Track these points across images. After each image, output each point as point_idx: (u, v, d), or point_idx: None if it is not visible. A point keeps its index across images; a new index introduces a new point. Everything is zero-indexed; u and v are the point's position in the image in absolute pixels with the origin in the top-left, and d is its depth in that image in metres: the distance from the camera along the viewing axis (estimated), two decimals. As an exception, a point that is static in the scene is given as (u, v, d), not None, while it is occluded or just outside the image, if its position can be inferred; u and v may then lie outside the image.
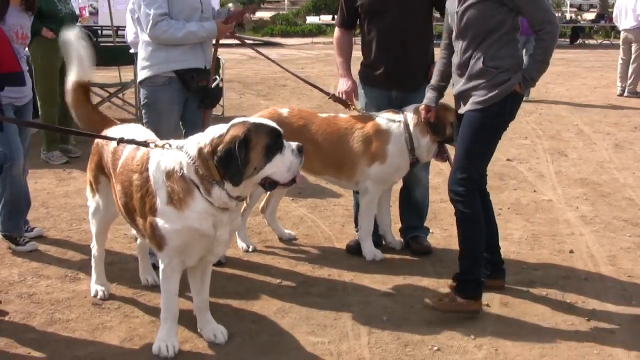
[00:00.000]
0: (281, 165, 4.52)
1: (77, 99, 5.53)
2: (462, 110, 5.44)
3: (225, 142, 4.42)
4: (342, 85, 6.54)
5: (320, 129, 6.50)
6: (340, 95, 6.51)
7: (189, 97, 6.25)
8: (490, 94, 5.25)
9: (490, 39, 5.22)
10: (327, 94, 6.65)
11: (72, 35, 5.41)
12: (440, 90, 5.89)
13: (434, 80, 5.87)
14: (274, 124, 4.59)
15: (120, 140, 4.89)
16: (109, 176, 5.28)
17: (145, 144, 4.81)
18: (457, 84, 5.43)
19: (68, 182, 9.15)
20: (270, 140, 4.47)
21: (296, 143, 4.60)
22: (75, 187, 8.81)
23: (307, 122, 6.56)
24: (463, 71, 5.35)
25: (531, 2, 5.18)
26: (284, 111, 6.61)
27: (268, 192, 6.61)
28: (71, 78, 5.50)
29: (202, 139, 4.56)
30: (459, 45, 5.37)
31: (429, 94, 5.92)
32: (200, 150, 4.51)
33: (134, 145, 4.93)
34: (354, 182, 6.44)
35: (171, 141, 4.79)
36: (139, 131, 5.34)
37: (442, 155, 6.43)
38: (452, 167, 5.49)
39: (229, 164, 4.40)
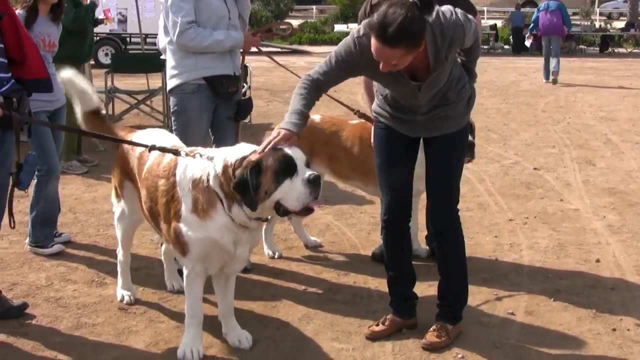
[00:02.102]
0: (290, 192, 4.45)
1: (92, 125, 5.62)
2: (430, 134, 5.11)
3: (242, 167, 4.45)
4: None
5: (351, 135, 6.59)
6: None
7: (218, 104, 6.29)
8: (467, 114, 5.16)
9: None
10: (352, 110, 6.66)
11: (69, 73, 5.53)
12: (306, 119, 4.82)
13: (301, 105, 4.80)
14: (290, 151, 4.50)
15: (152, 148, 4.95)
16: (134, 181, 5.33)
17: (176, 152, 4.84)
18: (416, 114, 5.04)
19: (95, 188, 9.22)
20: (280, 165, 4.42)
21: (312, 173, 4.48)
22: (103, 192, 8.88)
23: (338, 129, 6.68)
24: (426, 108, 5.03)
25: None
26: (316, 117, 6.69)
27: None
28: (79, 110, 5.60)
29: (230, 155, 4.58)
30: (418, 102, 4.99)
31: (297, 120, 4.73)
32: (225, 168, 4.53)
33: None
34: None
35: (201, 150, 4.81)
36: (164, 136, 5.40)
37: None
38: (435, 196, 5.20)
39: (243, 190, 4.43)
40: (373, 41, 4.47)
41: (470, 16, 4.75)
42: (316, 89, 4.86)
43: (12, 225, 5.16)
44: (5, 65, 5.06)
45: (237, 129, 6.48)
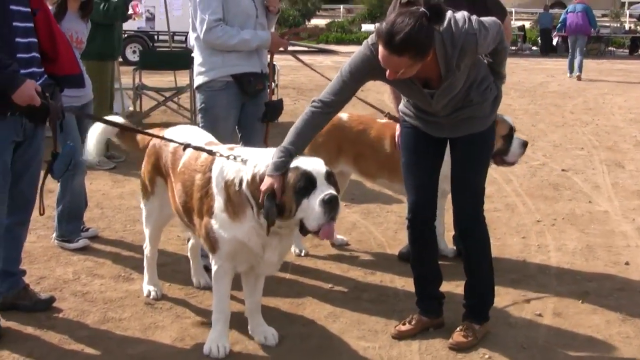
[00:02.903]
0: (307, 212, 4.37)
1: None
2: (454, 134, 5.09)
3: (262, 193, 4.41)
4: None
5: (378, 134, 6.61)
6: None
7: (245, 102, 6.31)
8: (492, 114, 5.12)
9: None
10: (382, 112, 6.63)
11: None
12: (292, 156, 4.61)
13: (290, 142, 4.63)
14: (309, 166, 4.43)
15: (187, 146, 4.98)
16: (165, 177, 5.35)
17: (210, 151, 4.85)
18: (439, 115, 5.01)
19: (123, 184, 9.27)
20: (299, 183, 4.36)
21: (328, 192, 4.34)
22: (130, 188, 8.93)
23: (366, 127, 6.70)
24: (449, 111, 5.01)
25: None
26: (344, 116, 6.72)
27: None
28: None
29: (260, 164, 4.54)
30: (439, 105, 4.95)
31: (283, 158, 4.53)
32: (254, 177, 4.52)
33: (199, 145, 4.99)
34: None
35: (237, 151, 4.81)
36: (198, 133, 5.44)
37: (499, 162, 6.43)
38: (460, 196, 5.16)
39: (266, 207, 4.40)
40: (380, 49, 4.46)
41: (488, 23, 4.68)
42: (323, 115, 4.81)
43: (42, 212, 5.19)
44: (38, 60, 5.09)
45: (266, 130, 6.50)
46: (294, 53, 7.44)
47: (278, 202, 4.37)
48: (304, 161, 4.47)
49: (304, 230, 4.46)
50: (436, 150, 5.18)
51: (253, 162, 4.57)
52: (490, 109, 5.05)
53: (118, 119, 5.83)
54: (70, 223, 6.89)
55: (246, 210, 4.60)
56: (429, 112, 4.98)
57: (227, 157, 4.71)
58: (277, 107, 6.60)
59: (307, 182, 4.35)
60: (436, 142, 5.14)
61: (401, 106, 5.30)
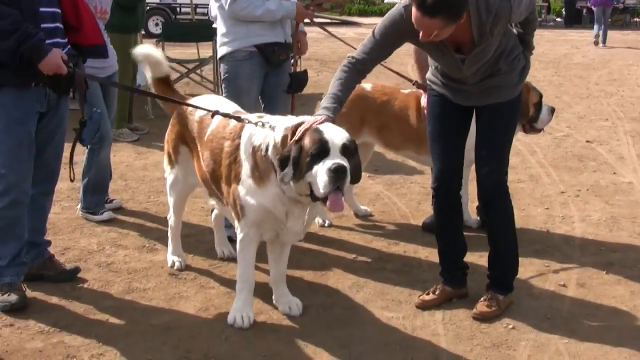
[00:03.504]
0: (317, 178, 4.36)
1: (161, 90, 5.73)
2: (481, 103, 5.06)
3: (289, 145, 4.45)
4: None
5: (403, 104, 6.56)
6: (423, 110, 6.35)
7: (268, 72, 6.30)
8: (519, 83, 5.09)
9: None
10: (410, 80, 6.56)
11: (145, 49, 5.79)
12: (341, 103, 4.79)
13: (336, 89, 4.77)
14: (329, 135, 4.40)
15: (216, 113, 4.98)
16: (191, 146, 5.36)
17: (238, 118, 4.86)
18: (467, 84, 5.01)
19: (146, 156, 9.29)
20: (314, 148, 4.35)
21: (336, 162, 4.32)
22: (154, 160, 8.95)
23: (390, 98, 6.64)
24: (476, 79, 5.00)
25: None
26: (368, 86, 6.68)
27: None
28: (149, 76, 5.76)
29: (290, 126, 4.56)
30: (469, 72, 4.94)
31: (333, 104, 4.70)
32: (283, 139, 4.53)
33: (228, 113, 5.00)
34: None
35: (266, 118, 4.81)
36: (224, 103, 5.45)
37: (528, 129, 6.52)
38: (484, 165, 5.11)
39: (283, 164, 4.44)
40: (413, 10, 4.44)
41: None
42: (356, 72, 4.83)
43: (72, 179, 5.22)
44: (62, 30, 5.09)
45: (292, 102, 6.49)
46: (321, 24, 7.38)
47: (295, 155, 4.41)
48: (328, 128, 4.45)
49: (313, 196, 4.46)
50: (463, 119, 5.16)
51: (283, 125, 4.58)
52: (517, 78, 5.02)
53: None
54: (95, 195, 6.91)
55: (271, 176, 4.60)
56: (457, 80, 4.95)
57: (256, 124, 4.72)
58: (302, 79, 6.59)
59: (321, 149, 4.35)
60: (463, 111, 5.12)
61: (429, 74, 5.28)
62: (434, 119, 5.20)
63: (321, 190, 4.33)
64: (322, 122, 4.48)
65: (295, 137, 4.44)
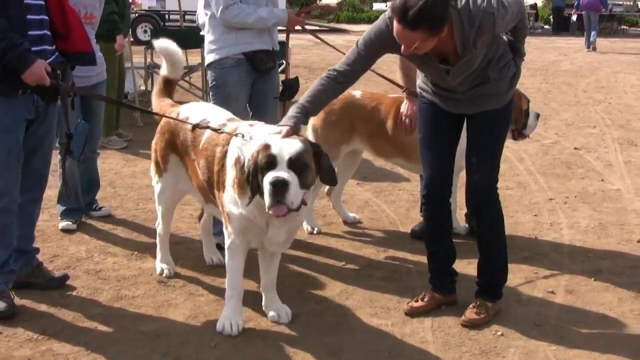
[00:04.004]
0: (264, 190, 4.42)
1: (159, 90, 5.83)
2: (471, 111, 5.08)
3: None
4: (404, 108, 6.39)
5: (392, 111, 6.52)
6: (404, 119, 6.37)
7: (256, 79, 6.30)
8: (509, 91, 5.10)
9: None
10: (401, 87, 6.52)
11: (166, 42, 5.82)
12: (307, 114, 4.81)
13: (305, 100, 4.80)
14: (277, 149, 4.41)
15: (195, 126, 5.04)
16: (181, 154, 5.36)
17: (217, 130, 4.88)
18: (456, 92, 5.02)
19: (135, 163, 9.29)
20: (261, 163, 4.41)
21: (275, 175, 4.36)
22: (142, 167, 8.94)
23: (379, 104, 6.62)
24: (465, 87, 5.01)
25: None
26: (357, 93, 6.67)
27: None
28: (162, 72, 5.85)
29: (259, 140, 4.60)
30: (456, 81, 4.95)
31: (297, 114, 4.73)
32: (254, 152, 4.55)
33: (221, 121, 5.03)
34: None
35: (244, 129, 4.81)
36: (216, 110, 5.46)
37: (517, 136, 6.58)
38: (475, 173, 5.12)
39: (247, 178, 4.53)
40: (395, 23, 4.49)
41: (508, 2, 4.62)
42: (335, 84, 4.86)
43: (69, 195, 5.24)
44: (49, 38, 5.09)
45: (283, 109, 6.50)
46: (312, 32, 7.38)
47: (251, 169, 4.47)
48: (277, 142, 4.46)
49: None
50: (454, 126, 5.18)
51: (258, 140, 4.59)
52: (508, 86, 5.04)
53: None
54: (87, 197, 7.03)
55: (248, 188, 4.60)
56: (447, 88, 4.97)
57: (236, 135, 4.73)
58: (294, 86, 6.62)
59: (268, 162, 4.40)
60: (454, 118, 5.14)
61: (419, 82, 5.30)
62: (425, 126, 5.21)
63: (269, 203, 4.38)
64: (288, 135, 4.51)
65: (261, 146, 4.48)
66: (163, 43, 5.79)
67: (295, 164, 4.41)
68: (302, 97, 4.81)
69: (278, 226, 4.70)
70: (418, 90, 5.34)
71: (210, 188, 5.05)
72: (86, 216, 7.01)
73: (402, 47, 4.53)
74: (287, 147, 4.42)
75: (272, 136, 4.51)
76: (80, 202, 7.03)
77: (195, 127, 5.03)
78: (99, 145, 7.12)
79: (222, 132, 4.85)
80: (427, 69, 4.98)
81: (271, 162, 4.38)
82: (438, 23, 4.42)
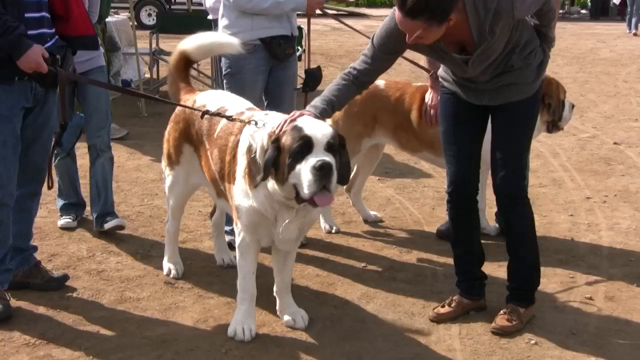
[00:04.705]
0: (300, 179, 4.37)
1: (176, 66, 5.78)
2: (494, 102, 5.06)
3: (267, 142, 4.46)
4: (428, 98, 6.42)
5: (419, 102, 6.50)
6: (428, 109, 6.39)
7: (273, 67, 6.31)
8: (536, 80, 5.07)
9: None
10: (428, 71, 6.49)
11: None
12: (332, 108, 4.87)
13: (330, 93, 4.86)
14: (312, 131, 4.40)
15: (205, 113, 5.01)
16: (196, 145, 5.37)
17: (229, 117, 4.88)
18: (478, 82, 5.02)
19: (139, 156, 9.32)
20: (295, 146, 4.36)
21: (320, 159, 4.33)
22: (147, 160, 8.98)
23: (405, 95, 6.60)
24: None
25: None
26: (381, 83, 6.64)
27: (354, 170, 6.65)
28: (184, 46, 5.72)
29: (275, 125, 4.57)
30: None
31: (323, 105, 4.80)
32: (269, 138, 4.53)
33: (236, 112, 4.99)
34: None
35: (258, 116, 4.82)
36: (234, 98, 5.46)
37: (552, 128, 6.52)
38: (501, 169, 5.08)
39: (266, 167, 4.45)
40: (396, 12, 4.52)
41: None
42: (357, 84, 4.90)
43: (50, 186, 5.23)
44: (49, 20, 5.09)
45: (305, 101, 6.49)
46: (335, 16, 7.36)
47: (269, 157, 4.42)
48: (309, 123, 4.46)
49: (299, 198, 4.46)
50: (478, 119, 5.16)
51: (271, 124, 4.59)
52: (534, 75, 5.02)
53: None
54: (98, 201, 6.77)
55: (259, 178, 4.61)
56: (468, 77, 4.96)
57: (249, 122, 4.73)
58: (317, 76, 6.60)
59: (303, 147, 4.36)
60: (478, 110, 5.12)
61: (440, 71, 5.29)
62: (447, 118, 5.21)
63: (306, 191, 4.35)
64: (301, 117, 4.52)
65: (273, 137, 4.47)
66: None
67: (332, 147, 4.42)
68: (327, 90, 4.81)
69: (290, 221, 4.69)
70: (440, 79, 5.33)
71: (221, 180, 5.06)
72: (96, 229, 6.74)
73: (407, 37, 4.55)
74: (321, 129, 4.43)
75: (301, 118, 4.51)
76: (81, 197, 7.03)
77: (205, 114, 5.02)
78: (108, 140, 6.81)
79: (233, 120, 4.85)
80: (443, 60, 5.00)
81: (307, 144, 4.36)
82: (440, 12, 4.43)
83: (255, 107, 5.26)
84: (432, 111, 6.26)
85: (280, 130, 4.45)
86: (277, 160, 4.42)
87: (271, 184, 4.52)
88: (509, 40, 4.76)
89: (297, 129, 4.40)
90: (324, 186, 4.33)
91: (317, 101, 4.76)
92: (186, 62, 5.76)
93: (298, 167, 4.36)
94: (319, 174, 4.30)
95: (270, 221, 4.71)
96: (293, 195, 4.49)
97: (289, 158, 4.37)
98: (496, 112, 5.09)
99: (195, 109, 5.18)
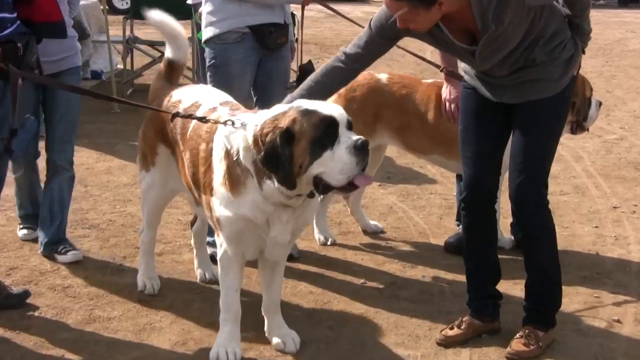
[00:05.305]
0: (331, 165, 4.38)
1: (159, 74, 5.84)
2: (515, 100, 5.06)
3: (270, 135, 4.41)
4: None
5: (427, 98, 6.51)
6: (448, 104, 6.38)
7: (263, 57, 6.32)
8: (564, 76, 5.05)
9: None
10: (438, 66, 6.49)
11: (159, 15, 5.68)
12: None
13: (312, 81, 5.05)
14: (329, 111, 4.44)
15: (175, 115, 5.01)
16: (172, 145, 5.38)
17: (203, 119, 4.87)
18: (496, 76, 5.05)
19: (110, 157, 9.31)
20: (318, 131, 4.36)
21: (358, 137, 4.41)
22: (119, 162, 8.98)
23: (411, 90, 6.59)
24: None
25: None
26: (383, 77, 6.64)
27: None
28: (166, 54, 5.80)
29: (262, 120, 4.55)
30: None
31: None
32: (255, 137, 4.51)
33: (208, 108, 5.02)
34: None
35: (238, 116, 4.80)
36: (210, 93, 5.46)
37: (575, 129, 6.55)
38: (519, 174, 5.07)
39: (275, 164, 4.40)
40: None
41: None
42: (344, 71, 4.95)
43: None
44: (9, 4, 5.08)
45: None
46: (324, 2, 7.38)
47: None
48: (319, 105, 4.48)
49: (322, 188, 4.48)
50: (501, 117, 5.14)
51: (254, 122, 4.57)
52: (561, 70, 4.99)
53: None
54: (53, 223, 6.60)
55: (247, 182, 4.60)
56: (486, 71, 4.97)
57: (225, 123, 4.71)
58: (311, 72, 6.61)
59: (329, 129, 4.37)
60: (500, 108, 5.11)
61: (462, 64, 5.29)
62: (467, 116, 5.21)
63: (342, 176, 4.37)
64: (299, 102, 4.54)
65: (269, 129, 4.45)
66: (157, 15, 5.69)
67: (351, 125, 4.47)
68: (308, 78, 4.87)
69: (285, 221, 4.69)
70: (461, 72, 5.33)
71: (196, 188, 5.07)
72: (43, 253, 6.53)
73: (398, 21, 4.61)
74: (336, 108, 4.49)
75: (302, 102, 4.54)
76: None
77: (175, 116, 5.02)
78: (72, 156, 6.68)
79: (207, 121, 4.84)
80: (446, 48, 5.04)
81: (333, 126, 4.38)
82: None
83: (232, 101, 5.26)
84: (452, 105, 6.25)
85: (280, 121, 4.44)
86: (291, 153, 4.40)
87: (268, 183, 4.50)
88: (530, 30, 4.76)
89: (310, 112, 4.42)
90: (362, 168, 4.41)
91: (296, 92, 4.80)
92: (172, 67, 5.80)
93: (326, 152, 4.37)
94: (361, 154, 4.36)
95: (261, 227, 4.70)
96: (308, 189, 4.54)
97: (311, 145, 4.37)
98: (518, 110, 5.08)
99: (165, 112, 5.19)
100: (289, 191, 4.48)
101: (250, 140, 4.52)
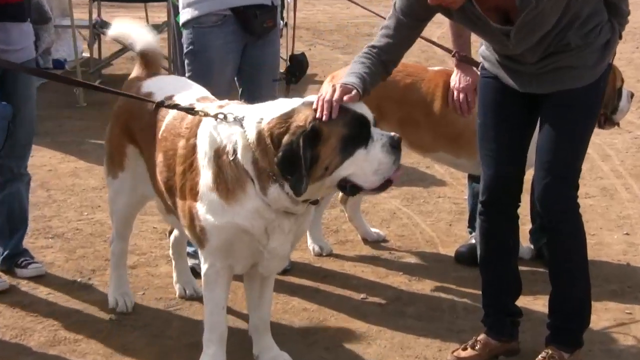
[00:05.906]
0: (365, 165, 4.43)
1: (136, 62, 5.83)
2: (543, 89, 5.05)
3: (290, 134, 4.41)
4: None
5: (434, 89, 6.51)
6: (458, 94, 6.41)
7: (248, 44, 6.31)
8: (599, 64, 5.06)
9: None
10: (449, 51, 6.53)
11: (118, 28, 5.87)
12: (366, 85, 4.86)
13: (361, 70, 4.88)
14: (359, 108, 4.50)
15: (159, 105, 5.00)
16: (142, 146, 5.36)
17: (190, 109, 4.85)
18: (524, 62, 5.04)
19: (76, 157, 9.31)
20: (351, 131, 4.41)
21: (393, 134, 4.49)
22: (86, 163, 8.98)
23: (416, 80, 6.58)
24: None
25: None
26: None
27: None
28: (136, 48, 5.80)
29: (268, 116, 4.53)
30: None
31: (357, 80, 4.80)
32: (260, 134, 4.50)
33: (189, 101, 5.01)
34: (477, 162, 6.31)
35: (230, 108, 4.80)
36: (186, 86, 5.45)
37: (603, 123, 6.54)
38: (546, 174, 5.05)
39: (294, 167, 4.38)
40: None
41: None
42: (381, 64, 4.93)
43: None
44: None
45: (287, 90, 6.51)
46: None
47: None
48: (351, 105, 4.51)
49: (350, 189, 4.52)
50: (525, 111, 5.14)
51: (255, 116, 4.56)
52: (597, 56, 4.99)
53: None
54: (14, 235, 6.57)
55: (246, 187, 4.58)
56: (513, 57, 4.96)
57: (215, 116, 4.68)
58: (303, 64, 6.62)
59: (363, 128, 4.44)
60: (526, 99, 5.11)
61: (482, 48, 5.28)
62: (486, 108, 5.21)
63: (380, 176, 4.44)
64: (346, 93, 4.52)
65: (282, 128, 4.44)
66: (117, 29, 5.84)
67: (376, 123, 4.58)
68: (354, 67, 4.80)
69: (286, 231, 4.69)
70: (480, 59, 5.33)
71: (169, 195, 5.04)
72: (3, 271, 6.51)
73: None
74: (362, 106, 4.55)
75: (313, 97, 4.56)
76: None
77: (159, 105, 5.02)
78: (27, 159, 6.56)
79: (196, 113, 4.81)
80: (480, 31, 5.00)
81: (366, 125, 4.47)
82: None
83: (211, 97, 5.25)
84: (461, 95, 6.26)
85: (302, 118, 4.45)
86: (317, 154, 4.41)
87: (274, 188, 4.49)
88: (566, 11, 4.75)
89: (344, 110, 4.45)
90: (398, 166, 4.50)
91: (346, 77, 4.74)
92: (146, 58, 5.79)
93: (359, 152, 4.41)
94: (397, 152, 4.46)
95: (257, 238, 4.68)
96: (321, 194, 4.66)
97: (342, 144, 4.40)
98: (547, 101, 5.06)
99: (147, 100, 5.16)
100: (296, 196, 4.49)
101: (252, 138, 4.51)
